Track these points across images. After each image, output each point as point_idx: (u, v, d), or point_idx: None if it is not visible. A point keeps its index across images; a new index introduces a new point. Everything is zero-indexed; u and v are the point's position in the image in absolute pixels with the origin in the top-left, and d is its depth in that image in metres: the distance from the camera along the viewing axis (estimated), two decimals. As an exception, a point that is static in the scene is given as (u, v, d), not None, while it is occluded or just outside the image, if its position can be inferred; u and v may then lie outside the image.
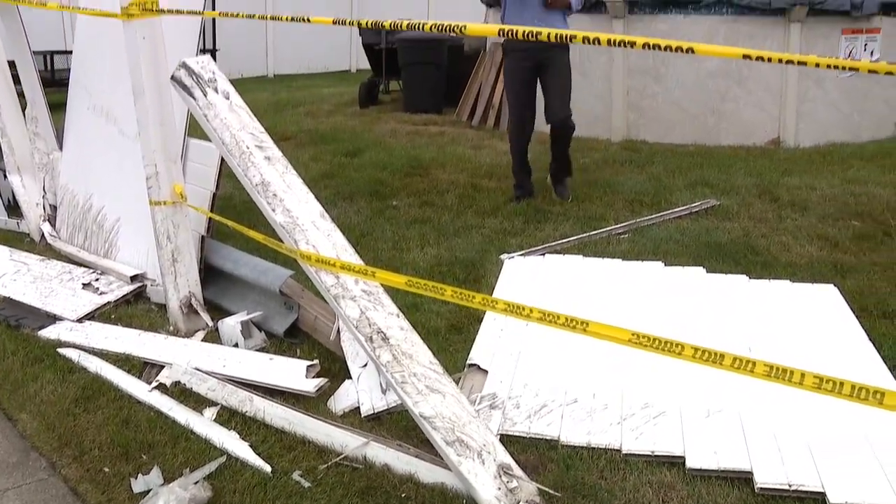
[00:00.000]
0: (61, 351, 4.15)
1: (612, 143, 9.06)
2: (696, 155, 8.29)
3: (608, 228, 5.87)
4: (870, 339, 4.04)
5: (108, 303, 4.72)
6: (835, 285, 4.72)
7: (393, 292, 3.33)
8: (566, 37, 2.27)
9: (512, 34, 2.30)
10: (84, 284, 4.94)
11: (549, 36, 2.13)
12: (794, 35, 8.78)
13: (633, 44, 2.02)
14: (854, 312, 4.36)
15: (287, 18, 3.14)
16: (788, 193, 6.81)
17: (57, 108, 6.18)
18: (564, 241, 5.62)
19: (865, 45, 9.24)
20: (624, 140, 9.15)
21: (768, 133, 8.96)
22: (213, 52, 15.89)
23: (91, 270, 5.14)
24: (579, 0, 6.42)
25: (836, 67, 1.96)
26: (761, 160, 8.09)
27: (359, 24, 2.92)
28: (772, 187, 7.01)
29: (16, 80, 6.20)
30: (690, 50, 1.96)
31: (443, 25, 2.29)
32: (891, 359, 3.84)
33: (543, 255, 5.33)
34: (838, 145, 8.84)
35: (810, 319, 4.32)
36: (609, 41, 2.06)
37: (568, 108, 6.55)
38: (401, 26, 2.50)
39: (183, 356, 3.96)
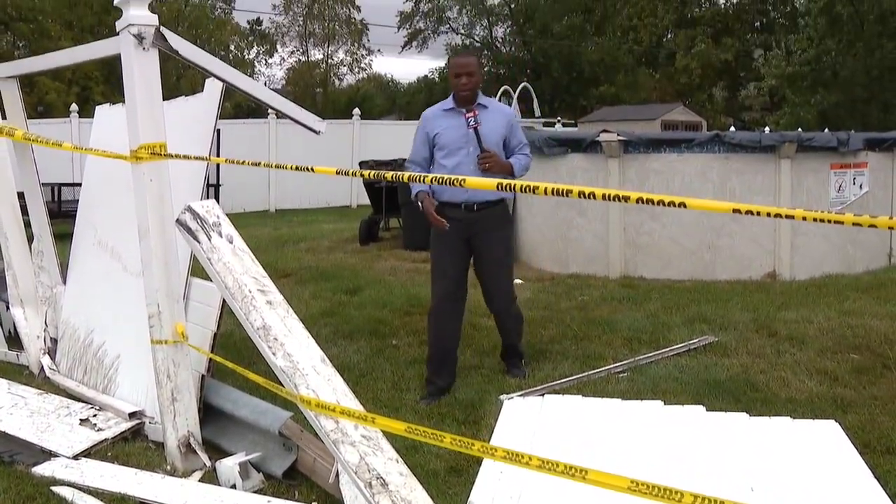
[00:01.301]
0: (55, 489, 4.09)
1: (609, 279, 9.15)
2: (693, 291, 8.36)
3: (607, 367, 5.85)
4: (874, 477, 3.99)
5: (106, 440, 4.67)
6: (836, 421, 4.69)
7: (392, 434, 3.33)
8: (546, 190, 2.33)
9: (509, 188, 2.38)
10: (82, 420, 4.90)
11: (545, 190, 2.20)
12: (784, 170, 9.03)
13: (627, 198, 2.10)
14: (857, 449, 4.31)
15: (292, 167, 3.24)
16: (786, 327, 6.83)
17: (62, 238, 6.28)
18: (563, 380, 5.59)
19: (854, 178, 9.48)
20: (621, 276, 9.25)
21: (764, 267, 9.07)
22: (216, 188, 16.22)
23: (89, 406, 5.12)
24: (523, 166, 5.52)
25: (821, 221, 2.03)
26: (758, 294, 8.16)
27: (361, 175, 3.02)
28: (769, 322, 7.04)
29: (23, 209, 6.29)
30: (682, 205, 2.03)
31: (442, 178, 2.39)
32: (897, 497, 3.80)
33: (543, 395, 5.30)
34: (833, 277, 8.94)
35: (813, 457, 4.28)
36: (604, 196, 2.14)
37: (510, 295, 5.80)
38: (401, 178, 2.59)
39: (179, 497, 3.91)
